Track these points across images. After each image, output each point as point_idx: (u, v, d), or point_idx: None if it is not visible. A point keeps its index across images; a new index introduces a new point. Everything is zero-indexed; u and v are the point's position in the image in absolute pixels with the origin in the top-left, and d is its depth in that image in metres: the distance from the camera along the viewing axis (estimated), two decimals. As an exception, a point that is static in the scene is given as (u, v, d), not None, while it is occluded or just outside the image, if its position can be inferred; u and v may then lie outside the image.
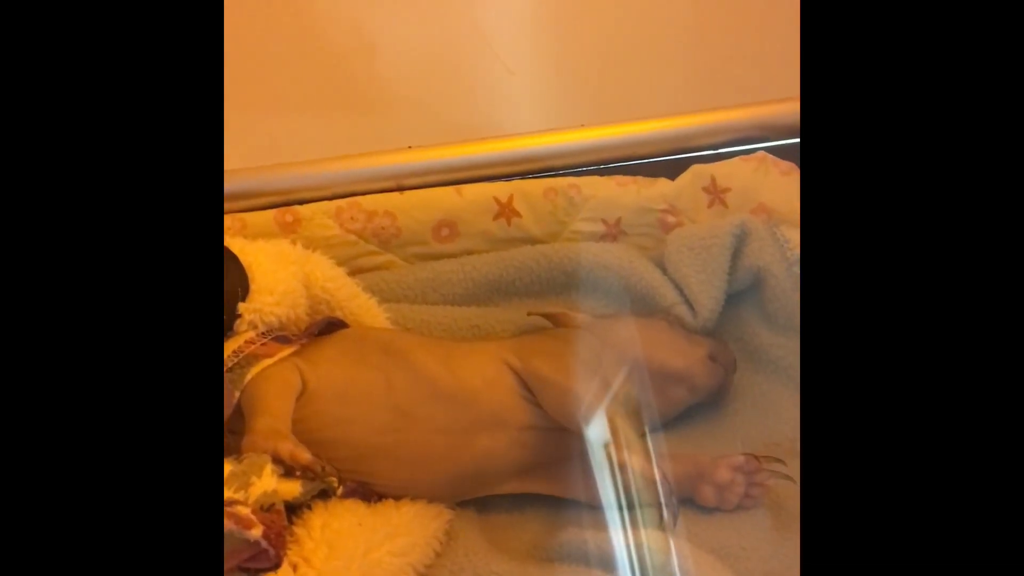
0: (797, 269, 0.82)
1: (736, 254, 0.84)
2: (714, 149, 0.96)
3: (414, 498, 0.69)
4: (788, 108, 0.95)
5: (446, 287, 0.88)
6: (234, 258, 0.73)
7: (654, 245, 0.92)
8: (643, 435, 0.73)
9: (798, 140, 0.89)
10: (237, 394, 0.65)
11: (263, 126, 1.03)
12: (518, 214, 0.91)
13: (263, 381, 0.67)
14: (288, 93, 1.06)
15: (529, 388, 0.72)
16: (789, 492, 0.71)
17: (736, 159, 0.93)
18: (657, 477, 0.65)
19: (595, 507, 0.69)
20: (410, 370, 0.71)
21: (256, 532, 0.54)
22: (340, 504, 0.64)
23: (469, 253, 0.90)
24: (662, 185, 0.93)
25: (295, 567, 0.58)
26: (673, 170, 0.94)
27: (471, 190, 0.90)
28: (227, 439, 0.64)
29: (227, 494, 0.56)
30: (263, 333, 0.71)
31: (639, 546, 0.63)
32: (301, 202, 0.89)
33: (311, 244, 0.83)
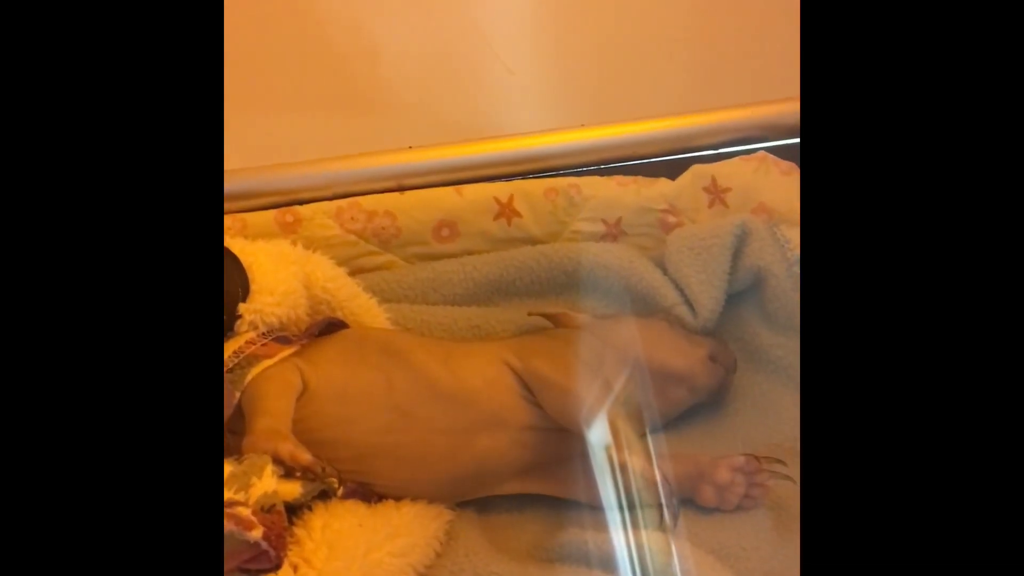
0: (798, 269, 0.82)
1: (737, 254, 0.84)
2: (715, 149, 0.96)
3: (414, 499, 0.69)
4: (788, 108, 0.95)
5: (446, 287, 0.88)
6: (235, 258, 0.73)
7: (654, 245, 0.92)
8: (643, 435, 0.73)
9: (799, 140, 0.89)
10: (237, 394, 0.65)
11: (264, 126, 1.03)
12: (518, 214, 0.91)
13: (263, 382, 0.67)
14: (289, 93, 1.06)
15: (529, 388, 0.72)
16: (789, 492, 0.71)
17: (736, 159, 0.93)
18: (657, 477, 0.65)
19: (595, 507, 0.69)
20: (410, 370, 0.71)
21: (256, 533, 0.54)
22: (340, 505, 0.64)
23: (469, 253, 0.90)
24: (662, 185, 0.93)
25: (295, 568, 0.58)
26: (673, 170, 0.94)
27: (471, 190, 0.90)
28: (227, 439, 0.64)
29: (227, 495, 0.56)
30: (263, 333, 0.71)
31: (639, 546, 0.63)
32: (301, 202, 0.89)
33: (311, 244, 0.83)
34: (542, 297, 0.90)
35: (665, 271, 0.87)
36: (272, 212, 0.87)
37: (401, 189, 0.91)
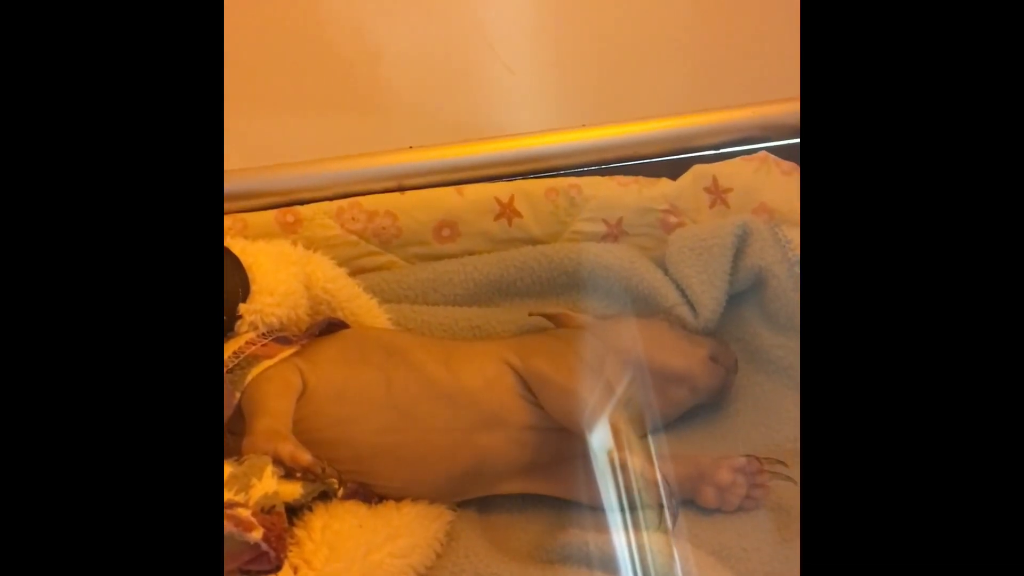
0: (799, 269, 0.82)
1: (738, 254, 0.84)
2: (716, 149, 0.96)
3: (415, 499, 0.69)
4: (790, 108, 0.94)
5: (447, 287, 0.88)
6: (235, 259, 0.73)
7: (655, 245, 0.92)
8: (644, 436, 0.73)
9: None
10: (238, 395, 0.65)
11: (264, 126, 1.03)
12: (519, 214, 0.91)
13: (264, 382, 0.67)
14: (289, 93, 1.06)
15: (530, 388, 0.72)
16: (790, 493, 0.71)
17: (738, 159, 0.93)
18: (658, 478, 0.65)
19: (596, 508, 0.69)
20: (410, 370, 0.71)
21: (256, 534, 0.54)
22: (341, 505, 0.64)
23: (470, 253, 0.90)
24: (663, 185, 0.93)
25: (296, 569, 0.58)
26: (675, 170, 0.94)
27: (472, 190, 0.90)
28: (228, 440, 0.64)
29: (227, 496, 0.55)
30: (264, 334, 0.71)
31: (640, 547, 0.63)
32: (302, 202, 0.88)
33: (312, 244, 0.83)
34: (543, 297, 0.89)
35: (666, 271, 0.87)
36: (273, 212, 0.87)
37: (402, 189, 0.90)
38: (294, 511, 0.62)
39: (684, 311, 0.83)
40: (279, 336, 0.72)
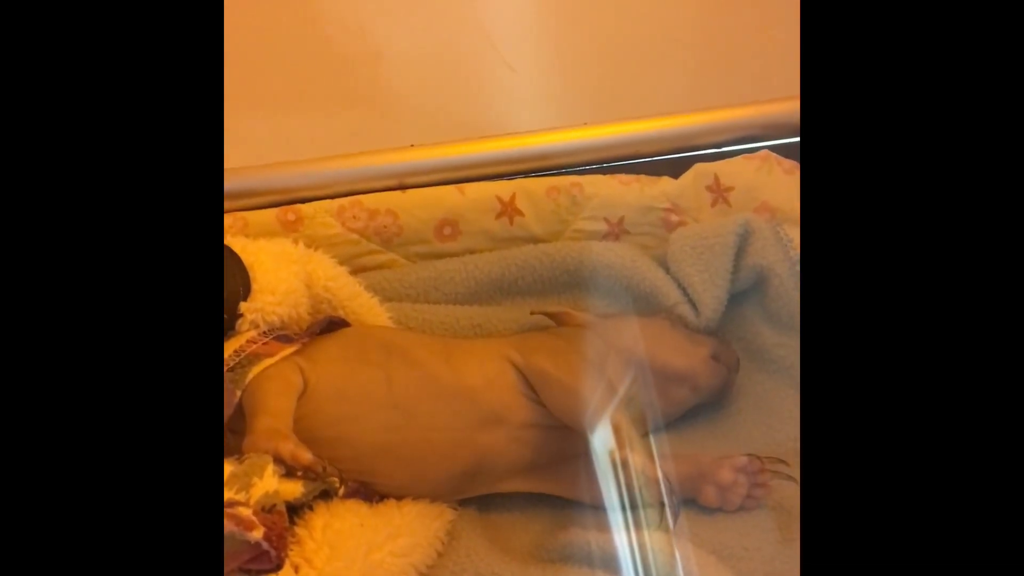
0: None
1: (739, 253, 0.84)
2: (717, 147, 0.96)
3: (416, 498, 0.69)
4: (791, 107, 0.94)
5: (448, 286, 0.88)
6: (236, 257, 0.73)
7: (657, 244, 0.92)
8: (645, 435, 0.73)
9: (802, 139, 0.89)
10: (239, 393, 0.65)
11: (266, 124, 1.03)
12: (520, 213, 0.90)
13: (265, 380, 0.66)
14: (291, 91, 1.06)
15: (531, 385, 0.72)
16: (792, 493, 0.71)
17: (739, 158, 0.93)
18: (659, 477, 0.65)
19: (597, 507, 0.68)
20: (411, 368, 0.71)
21: (257, 534, 0.54)
22: (342, 504, 0.64)
23: (471, 252, 0.90)
24: (665, 184, 0.93)
25: (297, 568, 0.58)
26: (676, 168, 0.94)
27: (473, 189, 0.90)
28: (228, 439, 0.64)
29: (228, 495, 0.55)
30: (265, 332, 0.71)
31: (641, 547, 0.63)
32: (303, 201, 0.88)
33: (313, 243, 0.83)
34: (544, 296, 0.89)
35: (667, 270, 0.86)
36: (274, 211, 0.87)
37: (403, 188, 0.90)
38: (295, 510, 0.62)
39: (686, 310, 0.83)
40: (280, 334, 0.72)
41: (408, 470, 0.68)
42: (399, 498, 0.68)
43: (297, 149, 0.92)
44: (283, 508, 0.58)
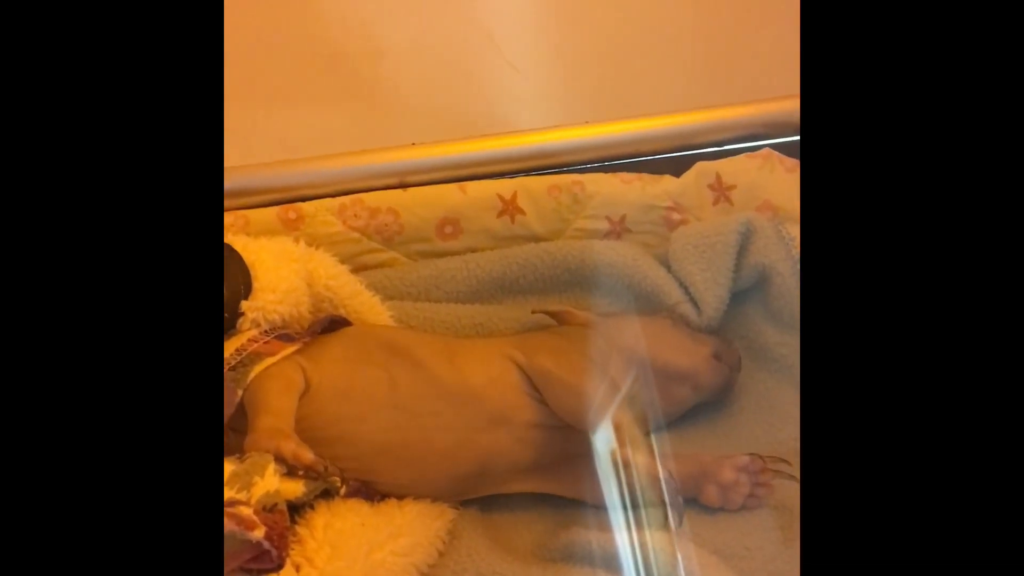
0: (802, 267, 0.82)
1: (741, 252, 0.84)
2: (719, 146, 0.95)
3: (417, 497, 0.68)
4: (794, 105, 0.94)
5: (450, 285, 0.88)
6: (237, 256, 0.73)
7: (659, 243, 0.92)
8: (647, 434, 0.73)
9: (804, 137, 0.88)
10: (240, 392, 0.65)
11: (267, 123, 1.02)
12: (522, 211, 0.90)
13: (266, 380, 0.66)
14: (292, 89, 1.06)
15: (534, 385, 0.72)
16: (794, 492, 0.71)
17: (741, 156, 0.93)
18: (661, 477, 0.65)
19: (599, 507, 0.68)
20: (413, 368, 0.71)
21: (258, 533, 0.54)
22: (343, 504, 0.64)
23: (473, 251, 0.90)
24: (667, 182, 0.93)
25: (298, 568, 0.58)
26: (678, 167, 0.94)
27: (475, 187, 0.90)
28: (230, 438, 0.64)
29: (230, 494, 0.55)
30: (266, 331, 0.71)
31: (643, 546, 0.63)
32: (304, 199, 0.88)
33: (314, 241, 0.83)
34: (546, 295, 0.89)
35: (669, 269, 0.86)
36: (275, 209, 0.87)
37: (404, 186, 0.90)
38: (296, 509, 0.62)
39: (687, 309, 0.83)
40: (281, 333, 0.72)
41: (410, 471, 0.68)
42: (400, 497, 0.68)
43: (298, 147, 0.92)
44: (284, 507, 0.58)
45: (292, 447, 0.60)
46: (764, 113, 0.95)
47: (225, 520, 0.52)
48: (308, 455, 0.61)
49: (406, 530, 0.64)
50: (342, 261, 0.81)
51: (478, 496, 0.72)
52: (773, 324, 0.85)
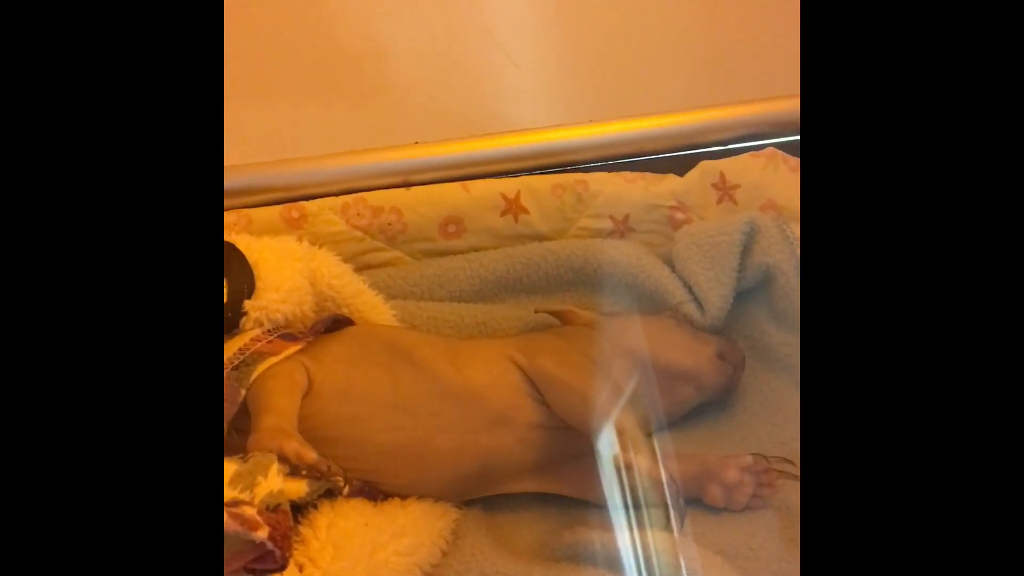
0: (807, 267, 0.82)
1: (745, 251, 0.84)
2: (723, 145, 0.95)
3: (420, 497, 0.68)
4: (797, 104, 0.94)
5: (453, 284, 0.88)
6: (240, 255, 0.73)
7: (662, 242, 0.92)
8: (650, 434, 0.73)
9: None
10: (243, 392, 0.65)
11: (270, 121, 1.02)
12: (525, 210, 0.90)
13: (269, 379, 0.66)
14: (295, 88, 1.06)
15: (536, 386, 0.71)
16: (797, 492, 0.70)
17: (745, 155, 0.93)
18: (664, 477, 0.65)
19: (602, 507, 0.68)
20: (416, 368, 0.71)
21: (262, 533, 0.54)
22: (346, 504, 0.64)
23: (476, 250, 0.90)
24: (671, 181, 0.93)
25: (301, 567, 0.58)
26: (682, 166, 0.94)
27: (478, 186, 0.90)
28: (233, 438, 0.64)
29: (233, 494, 0.55)
30: (269, 331, 0.71)
31: (646, 546, 0.63)
32: (307, 198, 0.88)
33: (317, 240, 0.83)
34: (549, 294, 0.89)
35: (673, 268, 0.86)
36: (278, 208, 0.87)
37: (407, 185, 0.90)
38: (299, 509, 0.62)
39: (691, 308, 0.83)
40: (284, 333, 0.72)
41: (412, 471, 0.68)
42: (403, 497, 0.68)
43: (301, 146, 0.92)
44: (287, 507, 0.58)
45: (295, 447, 0.60)
46: (768, 112, 0.94)
47: (228, 520, 0.52)
48: (311, 455, 0.60)
49: (409, 530, 0.64)
50: (345, 260, 0.81)
51: (481, 496, 0.72)
52: (777, 324, 0.85)
